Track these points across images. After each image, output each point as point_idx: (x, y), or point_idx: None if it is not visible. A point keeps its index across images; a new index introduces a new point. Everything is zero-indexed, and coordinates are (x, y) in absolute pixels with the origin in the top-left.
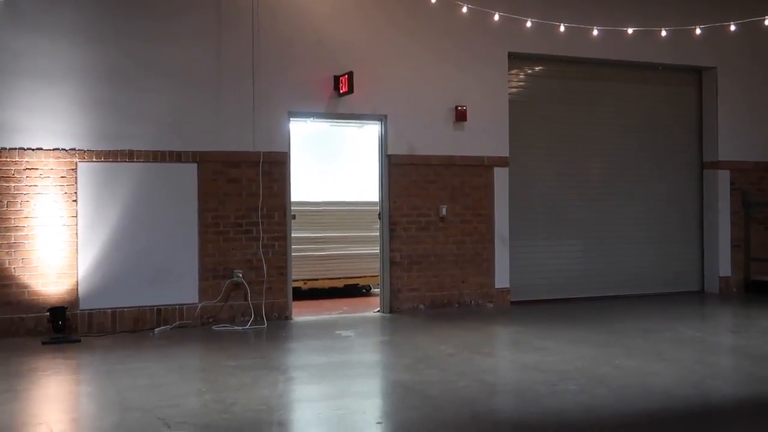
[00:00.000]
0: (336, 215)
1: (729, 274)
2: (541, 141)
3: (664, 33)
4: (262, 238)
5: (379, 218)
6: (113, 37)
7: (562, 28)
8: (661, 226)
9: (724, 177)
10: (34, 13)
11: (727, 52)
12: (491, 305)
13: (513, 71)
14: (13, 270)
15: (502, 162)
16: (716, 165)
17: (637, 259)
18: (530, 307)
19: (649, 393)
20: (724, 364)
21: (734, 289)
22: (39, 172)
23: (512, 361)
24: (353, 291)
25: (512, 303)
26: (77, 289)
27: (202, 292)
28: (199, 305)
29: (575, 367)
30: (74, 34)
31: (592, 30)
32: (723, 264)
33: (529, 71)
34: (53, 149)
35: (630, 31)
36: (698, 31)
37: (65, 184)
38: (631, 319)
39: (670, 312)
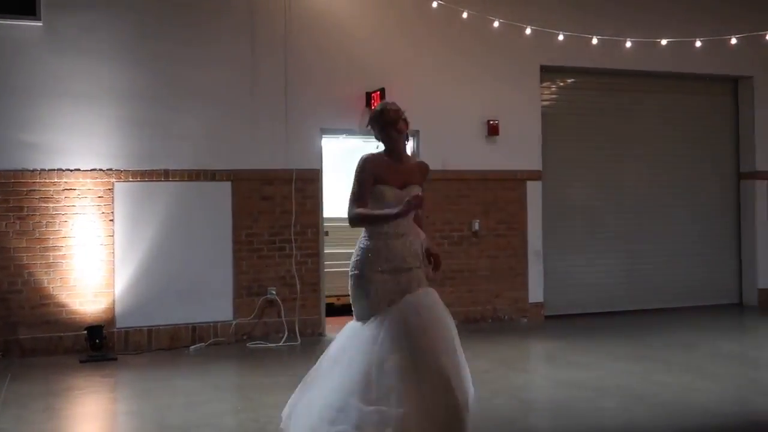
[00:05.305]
0: None
1: None
2: (575, 154)
3: (698, 43)
4: (296, 254)
5: None
6: (150, 60)
7: (594, 41)
8: (699, 238)
9: (761, 187)
10: (74, 38)
11: (763, 61)
12: (525, 320)
13: (545, 84)
14: (51, 289)
15: (534, 176)
16: (754, 175)
17: (674, 271)
18: (565, 322)
19: (690, 410)
20: (767, 379)
21: None
22: (77, 192)
23: (548, 377)
24: None
25: (546, 317)
26: (114, 307)
27: (237, 310)
28: (234, 322)
29: (613, 384)
30: (113, 57)
31: (625, 42)
32: (762, 276)
33: (561, 84)
34: (91, 170)
35: (664, 42)
36: (734, 41)
37: (102, 204)
38: (668, 333)
39: (709, 325)
